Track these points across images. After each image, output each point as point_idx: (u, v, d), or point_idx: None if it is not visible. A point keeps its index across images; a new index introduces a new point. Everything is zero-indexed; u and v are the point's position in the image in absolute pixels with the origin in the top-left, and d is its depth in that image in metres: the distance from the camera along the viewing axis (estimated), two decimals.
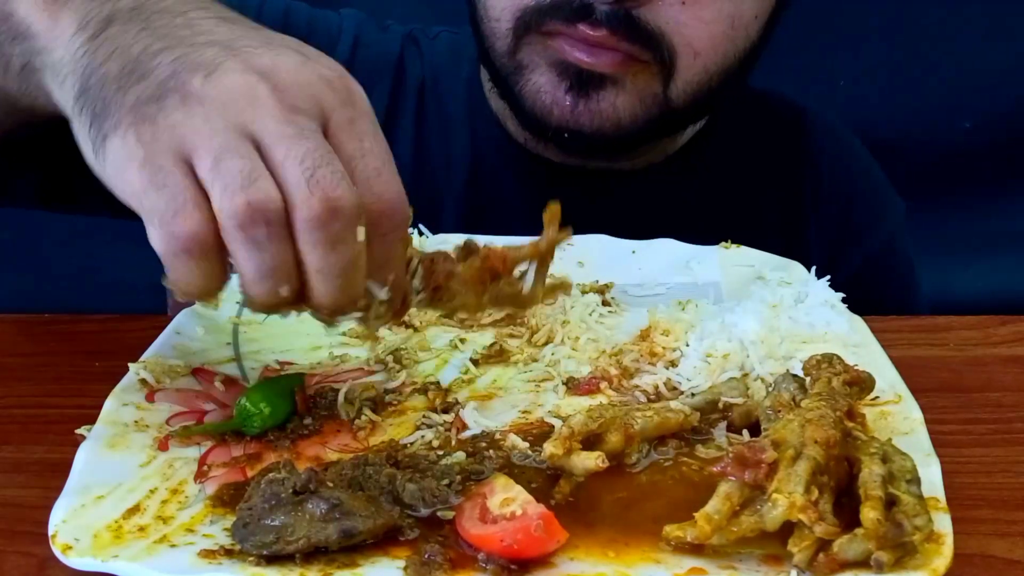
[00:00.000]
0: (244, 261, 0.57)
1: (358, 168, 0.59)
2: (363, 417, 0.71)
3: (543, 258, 0.71)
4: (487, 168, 0.96)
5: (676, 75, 0.95)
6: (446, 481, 0.62)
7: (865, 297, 0.84)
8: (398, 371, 0.78)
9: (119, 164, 0.58)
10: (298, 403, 0.71)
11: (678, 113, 0.98)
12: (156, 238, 0.57)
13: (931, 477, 0.60)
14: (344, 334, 0.85)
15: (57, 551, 0.56)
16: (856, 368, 0.69)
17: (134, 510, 0.60)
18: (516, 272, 0.70)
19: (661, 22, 0.91)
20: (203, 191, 0.57)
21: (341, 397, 0.72)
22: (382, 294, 0.62)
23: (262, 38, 0.62)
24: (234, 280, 0.88)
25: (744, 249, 0.95)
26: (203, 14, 0.64)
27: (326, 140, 0.58)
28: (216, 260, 0.57)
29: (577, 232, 0.82)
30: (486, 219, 1.00)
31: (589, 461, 0.61)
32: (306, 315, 0.84)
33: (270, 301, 0.60)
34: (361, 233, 0.58)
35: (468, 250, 0.68)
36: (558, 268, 0.94)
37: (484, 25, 0.99)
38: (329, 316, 0.62)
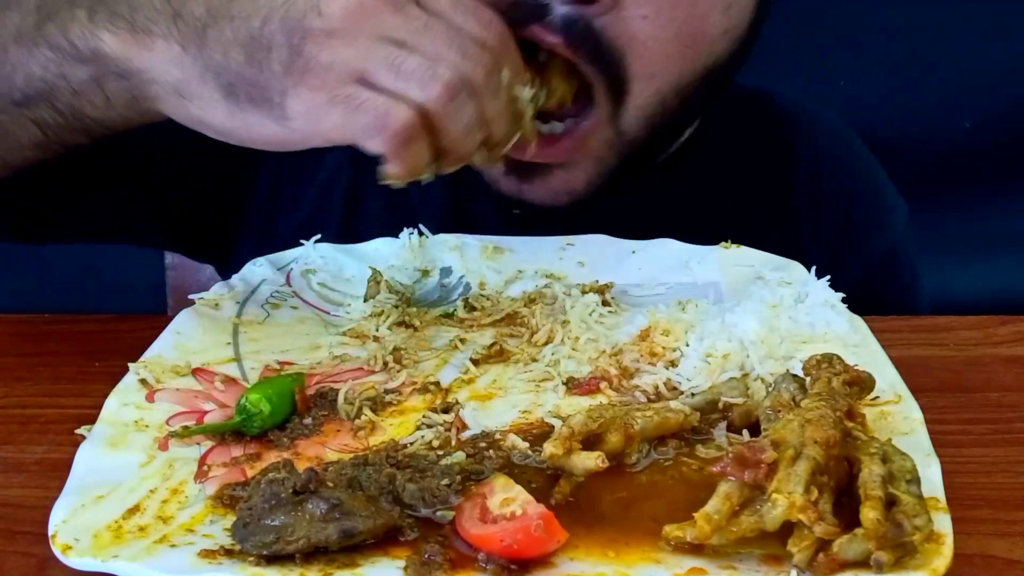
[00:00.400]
0: (456, 124, 0.73)
1: (462, 11, 0.74)
2: (363, 417, 0.71)
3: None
4: (474, 182, 0.95)
5: (628, 100, 0.89)
6: (446, 481, 0.62)
7: (865, 303, 0.84)
8: (398, 371, 0.78)
9: (312, 114, 0.71)
10: (298, 403, 0.71)
11: (636, 144, 0.93)
12: (377, 144, 0.71)
13: (931, 477, 0.60)
14: (344, 334, 0.85)
15: (57, 551, 0.56)
16: (856, 368, 0.69)
17: (134, 510, 0.60)
18: None
19: (622, 41, 0.86)
20: (393, 92, 0.70)
21: (341, 397, 0.72)
22: (527, 93, 0.80)
23: None
24: (234, 280, 0.89)
25: (744, 249, 0.94)
26: None
27: (421, 9, 0.72)
28: (425, 139, 0.72)
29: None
30: (473, 228, 0.99)
31: (589, 461, 0.61)
32: (306, 315, 0.85)
33: (471, 150, 0.76)
34: (507, 73, 0.76)
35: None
36: (558, 268, 0.95)
37: None
38: (497, 152, 0.79)
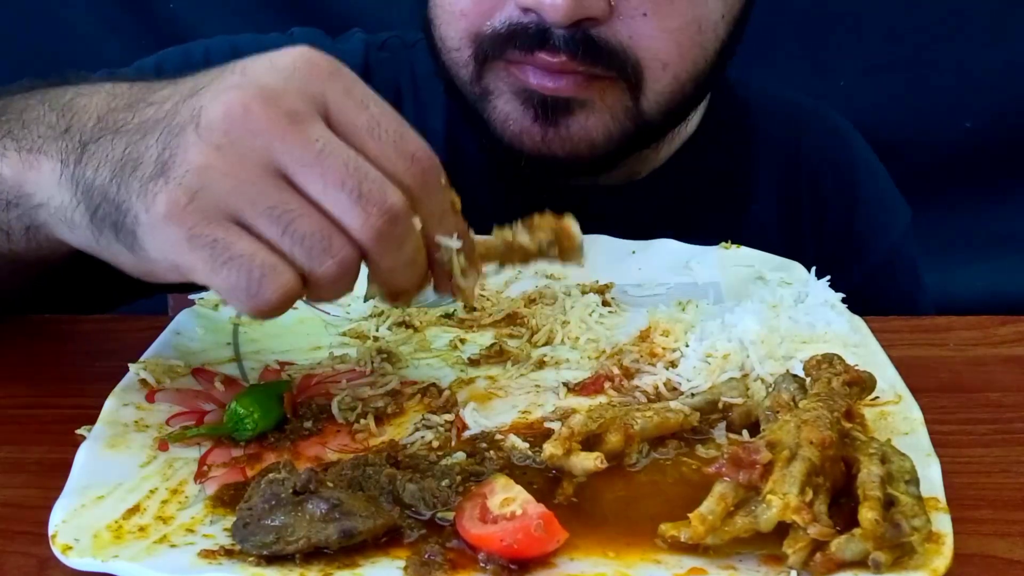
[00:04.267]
0: (333, 295, 0.61)
1: (381, 137, 0.60)
2: (362, 422, 0.71)
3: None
4: (468, 182, 0.95)
5: (645, 89, 0.91)
6: (446, 481, 0.62)
7: (866, 308, 0.84)
8: (390, 374, 0.78)
9: (165, 252, 0.59)
10: (286, 408, 0.71)
11: (653, 124, 0.96)
12: (244, 309, 0.59)
13: (931, 477, 0.60)
14: (344, 334, 0.85)
15: (57, 551, 0.56)
16: (856, 368, 0.69)
17: (134, 510, 0.60)
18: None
19: (623, 38, 0.88)
20: (269, 247, 0.58)
21: (335, 407, 0.72)
22: (455, 243, 0.65)
23: (215, 72, 0.62)
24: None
25: (744, 249, 0.94)
26: (158, 89, 0.64)
27: (329, 128, 0.59)
28: (300, 294, 0.60)
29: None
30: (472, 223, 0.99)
31: (588, 461, 0.61)
32: (306, 315, 0.85)
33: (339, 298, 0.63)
34: (418, 221, 0.62)
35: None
36: (558, 268, 0.95)
37: (444, 57, 0.96)
38: (408, 298, 0.66)
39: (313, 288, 0.60)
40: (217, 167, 0.57)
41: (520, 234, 0.74)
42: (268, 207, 0.58)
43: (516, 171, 0.98)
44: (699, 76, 0.94)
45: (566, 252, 0.75)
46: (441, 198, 0.64)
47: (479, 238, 0.71)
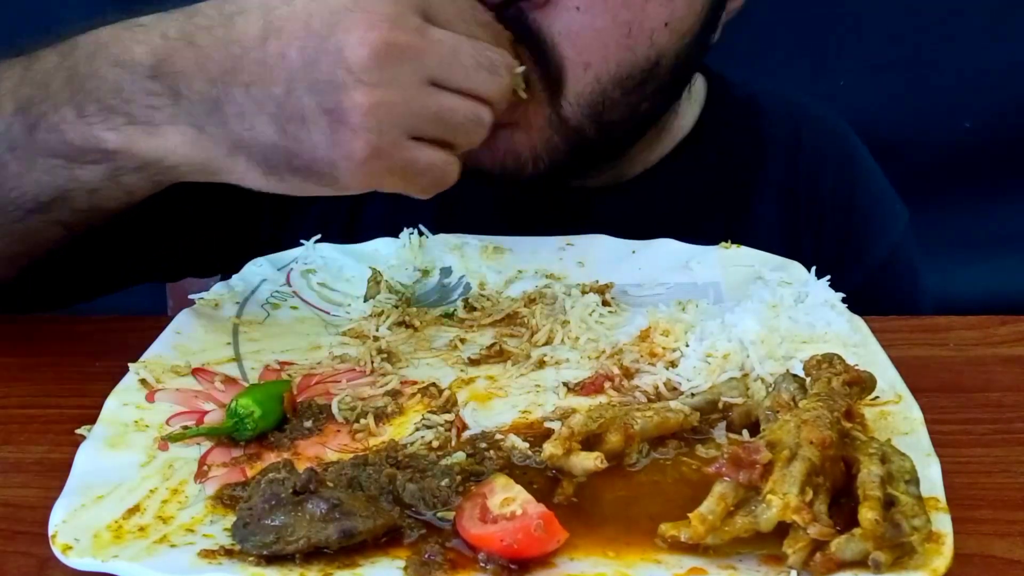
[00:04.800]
0: (480, 140, 0.76)
1: (465, 18, 0.74)
2: (362, 422, 0.71)
3: None
4: (470, 184, 0.95)
5: (565, 90, 0.89)
6: (446, 481, 0.62)
7: (866, 309, 0.83)
8: (390, 374, 0.78)
9: (368, 181, 0.70)
10: (286, 408, 0.71)
11: (585, 134, 0.92)
12: (428, 196, 0.74)
13: (931, 477, 0.60)
14: (344, 334, 0.85)
15: (57, 551, 0.56)
16: (856, 368, 0.69)
17: (134, 510, 0.60)
18: None
19: (553, 31, 0.86)
20: (439, 144, 0.71)
21: (335, 407, 0.72)
22: (520, 68, 0.82)
23: (298, 4, 0.69)
24: (234, 280, 0.89)
25: (744, 249, 0.94)
26: (248, 36, 0.69)
27: (436, 27, 0.71)
28: None
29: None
30: (470, 228, 0.99)
31: (588, 461, 0.61)
32: (306, 315, 0.85)
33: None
34: (517, 66, 0.80)
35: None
36: (558, 268, 0.95)
37: None
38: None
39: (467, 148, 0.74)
40: (385, 102, 0.67)
41: None
42: (433, 116, 0.70)
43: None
44: (625, 81, 0.90)
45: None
46: (505, 39, 0.81)
47: None
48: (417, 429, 0.70)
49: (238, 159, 0.70)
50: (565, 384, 0.76)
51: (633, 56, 0.89)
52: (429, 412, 0.72)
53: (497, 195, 1.04)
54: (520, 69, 0.82)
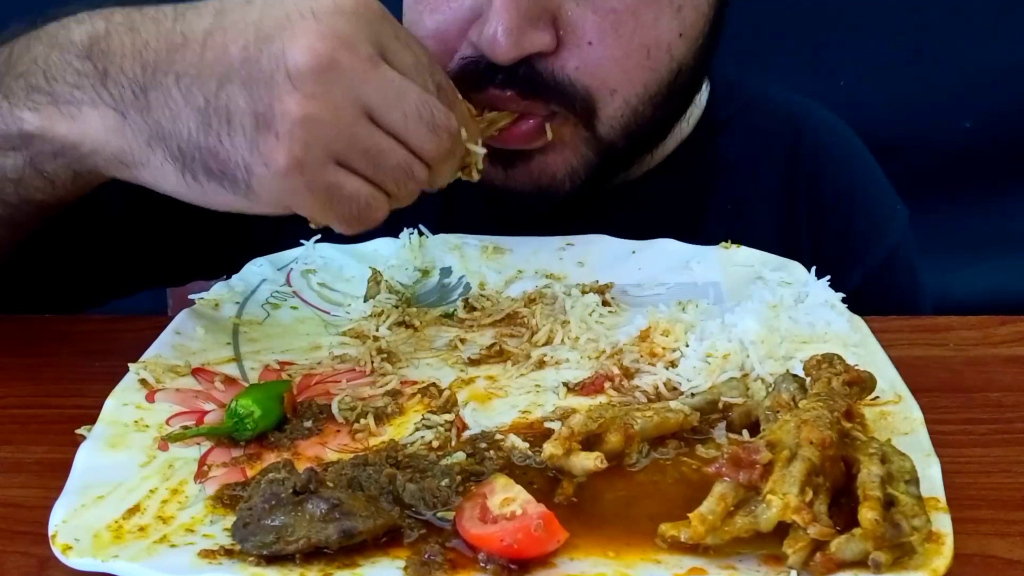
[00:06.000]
0: (412, 196, 0.73)
1: (421, 72, 0.71)
2: (362, 422, 0.71)
3: None
4: (466, 188, 0.95)
5: (598, 115, 0.89)
6: (446, 481, 0.62)
7: (866, 309, 0.83)
8: (390, 374, 0.78)
9: (281, 199, 0.67)
10: (286, 408, 0.71)
11: (618, 147, 0.93)
12: (349, 232, 0.70)
13: (931, 477, 0.60)
14: (344, 334, 0.85)
15: (57, 551, 0.56)
16: (856, 368, 0.69)
17: (134, 510, 0.60)
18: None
19: (569, 69, 0.86)
20: (365, 179, 0.68)
21: (335, 407, 0.72)
22: (481, 150, 0.80)
23: (262, 5, 0.67)
24: (234, 280, 0.89)
25: (744, 249, 0.94)
26: (197, 26, 0.67)
27: (388, 66, 0.68)
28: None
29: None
30: (470, 228, 0.99)
31: (588, 461, 0.61)
32: (306, 315, 0.85)
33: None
34: (463, 133, 0.76)
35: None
36: (558, 268, 0.95)
37: None
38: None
39: (396, 204, 0.72)
40: (317, 116, 0.64)
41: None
42: (364, 148, 0.67)
43: (493, 205, 0.98)
44: (655, 97, 0.91)
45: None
46: (463, 111, 0.78)
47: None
48: (417, 429, 0.70)
49: (155, 152, 0.66)
50: (565, 384, 0.76)
51: (658, 74, 0.90)
52: (429, 412, 0.72)
53: (485, 193, 1.04)
54: (479, 151, 0.79)
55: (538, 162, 0.92)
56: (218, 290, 0.88)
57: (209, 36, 0.66)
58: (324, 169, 0.65)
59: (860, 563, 0.53)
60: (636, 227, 0.97)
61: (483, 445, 0.68)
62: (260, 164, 0.64)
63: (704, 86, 1.12)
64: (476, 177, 0.81)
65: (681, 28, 0.90)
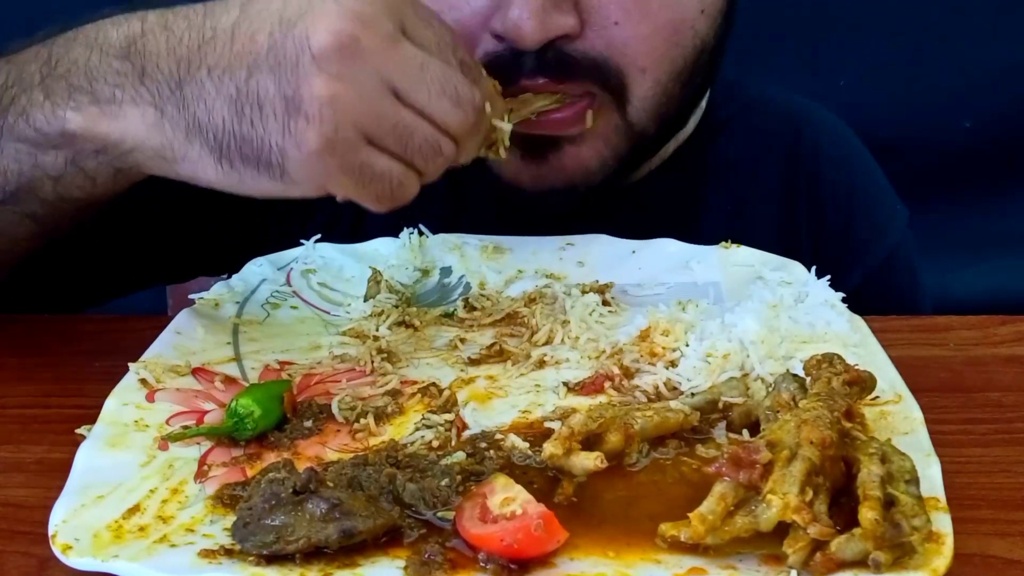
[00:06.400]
0: (440, 170, 0.73)
1: (443, 48, 0.71)
2: (362, 421, 0.71)
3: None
4: (470, 186, 0.95)
5: (630, 96, 0.90)
6: (446, 481, 0.62)
7: (866, 309, 0.83)
8: (390, 374, 0.78)
9: (318, 178, 0.68)
10: (286, 408, 0.71)
11: (647, 133, 0.94)
12: (381, 210, 0.71)
13: (931, 477, 0.60)
14: (344, 334, 0.85)
15: (57, 551, 0.56)
16: (856, 368, 0.69)
17: (134, 510, 0.60)
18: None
19: (599, 48, 0.87)
20: (399, 160, 0.69)
21: (335, 407, 0.72)
22: (507, 126, 0.81)
23: None
24: (234, 280, 0.89)
25: (744, 249, 0.94)
26: (224, 21, 0.68)
27: (410, 43, 0.68)
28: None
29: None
30: (473, 228, 0.99)
31: (588, 461, 0.61)
32: (306, 315, 0.85)
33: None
34: (488, 107, 0.76)
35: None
36: (558, 268, 0.95)
37: None
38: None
39: (425, 180, 0.72)
40: (344, 96, 0.65)
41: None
42: (392, 125, 0.67)
43: (520, 206, 0.98)
44: (682, 75, 0.92)
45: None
46: (488, 87, 0.78)
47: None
48: (417, 429, 0.70)
49: (193, 144, 0.68)
50: (565, 384, 0.76)
51: (684, 51, 0.91)
52: (429, 412, 0.73)
53: (499, 195, 1.04)
54: (506, 126, 0.80)
55: (570, 154, 0.92)
56: (218, 290, 0.88)
57: (236, 28, 0.67)
58: (355, 148, 0.66)
59: (860, 563, 0.53)
60: (636, 227, 0.97)
61: (483, 445, 0.68)
62: (293, 147, 0.65)
63: None
64: (503, 155, 0.82)
65: (702, 4, 0.91)
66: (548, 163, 0.93)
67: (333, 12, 0.66)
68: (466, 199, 1.03)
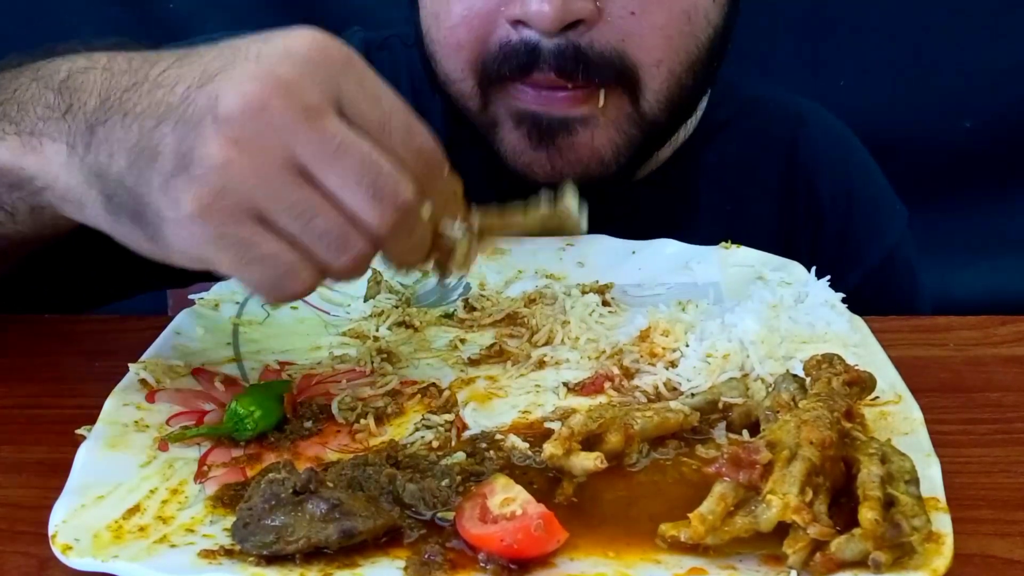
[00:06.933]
0: (352, 274, 0.64)
1: (391, 132, 0.61)
2: (362, 422, 0.71)
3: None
4: (470, 185, 0.95)
5: (644, 89, 0.91)
6: (446, 481, 0.62)
7: (865, 309, 0.83)
8: (390, 374, 0.78)
9: (190, 247, 0.60)
10: (286, 408, 0.71)
11: (659, 124, 0.95)
12: (268, 299, 0.64)
13: (931, 477, 0.60)
14: (344, 334, 0.85)
15: (57, 551, 0.56)
16: (856, 368, 0.69)
17: (134, 510, 0.60)
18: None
19: (614, 41, 0.87)
20: (290, 242, 0.60)
21: (335, 407, 0.72)
22: (458, 231, 0.68)
23: (227, 52, 0.61)
24: (235, 282, 0.88)
25: (744, 249, 0.94)
26: (162, 67, 0.63)
27: (342, 120, 0.59)
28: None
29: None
30: None
31: (588, 461, 0.61)
32: (306, 315, 0.85)
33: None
34: (427, 210, 0.64)
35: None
36: (558, 268, 0.95)
37: (451, 89, 0.96)
38: (409, 271, 0.71)
39: (330, 277, 0.63)
40: (238, 163, 0.57)
41: (519, 215, 0.78)
42: (288, 205, 0.59)
43: (522, 172, 0.98)
44: (695, 64, 0.93)
45: (564, 228, 0.79)
46: (445, 187, 0.67)
47: (482, 211, 0.74)
48: (417, 429, 0.70)
49: (92, 191, 0.62)
50: (565, 384, 0.76)
51: (697, 40, 0.92)
52: (429, 412, 0.73)
53: (498, 196, 1.04)
54: (455, 234, 0.68)
55: (583, 141, 0.92)
56: (218, 290, 0.88)
57: (164, 76, 0.62)
58: (237, 220, 0.58)
59: (860, 563, 0.53)
60: (636, 227, 0.97)
61: (483, 445, 0.68)
62: (169, 207, 0.58)
63: None
64: (457, 269, 0.71)
65: None
66: (559, 149, 0.92)
67: (249, 73, 0.59)
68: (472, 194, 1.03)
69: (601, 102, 0.90)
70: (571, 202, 0.79)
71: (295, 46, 0.60)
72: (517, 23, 0.87)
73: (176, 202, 0.58)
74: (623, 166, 0.95)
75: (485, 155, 1.02)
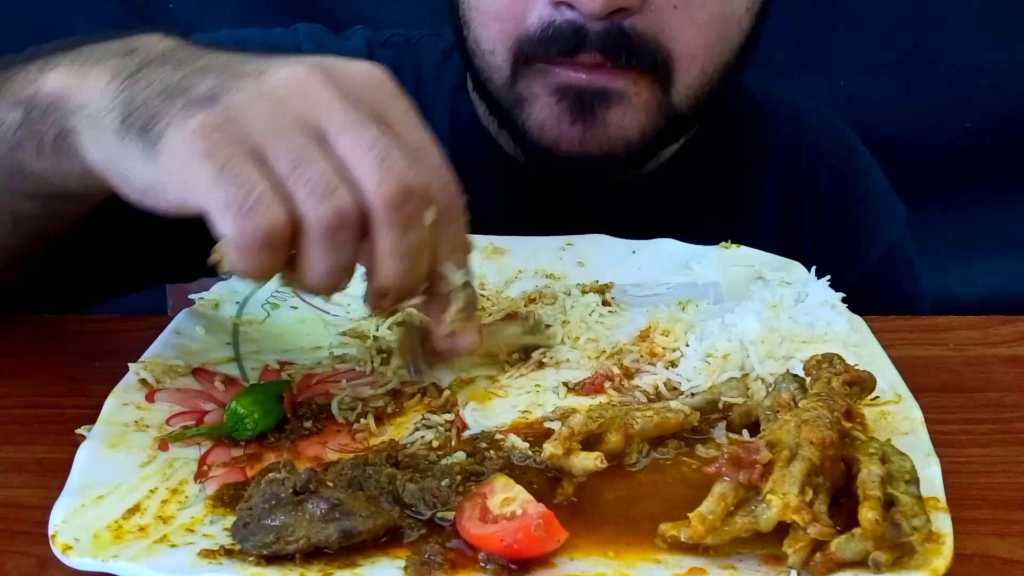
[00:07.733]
0: (318, 261, 0.59)
1: (423, 156, 0.61)
2: (362, 422, 0.71)
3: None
4: (473, 183, 0.95)
5: (676, 82, 0.93)
6: (446, 481, 0.62)
7: (864, 308, 0.84)
8: (390, 374, 0.78)
9: (180, 159, 0.58)
10: (286, 408, 0.71)
11: (683, 118, 0.97)
12: (230, 226, 0.57)
13: (931, 477, 0.60)
14: (344, 334, 0.85)
15: (57, 551, 0.56)
16: (856, 368, 0.69)
17: (134, 510, 0.60)
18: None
19: (655, 30, 0.89)
20: (278, 185, 0.58)
21: (335, 407, 0.72)
22: (459, 277, 0.64)
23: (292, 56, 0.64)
24: (234, 280, 0.88)
25: (744, 249, 0.94)
26: (225, 54, 0.65)
27: (381, 124, 0.60)
28: (286, 251, 0.58)
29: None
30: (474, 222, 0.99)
31: (588, 461, 0.61)
32: (306, 315, 0.85)
33: (330, 292, 0.62)
34: (431, 215, 0.60)
35: None
36: (558, 268, 0.95)
37: (478, 60, 0.96)
38: (392, 301, 0.63)
39: (303, 243, 0.59)
40: (257, 107, 0.59)
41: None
42: (287, 149, 0.58)
43: (550, 171, 0.99)
44: (725, 68, 0.95)
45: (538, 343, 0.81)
46: (459, 231, 0.64)
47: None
48: (417, 429, 0.70)
49: (113, 111, 0.63)
50: (565, 384, 0.76)
51: (731, 44, 0.94)
52: (429, 412, 0.73)
53: (501, 194, 1.04)
54: (456, 279, 0.64)
55: (615, 121, 0.93)
56: (218, 290, 0.88)
57: (229, 62, 0.63)
58: (233, 147, 0.58)
59: (860, 563, 0.53)
60: (636, 227, 0.97)
61: (483, 445, 0.68)
62: (179, 121, 0.59)
63: None
64: (450, 323, 0.67)
65: (748, 2, 0.94)
66: (593, 125, 0.93)
67: (306, 62, 0.61)
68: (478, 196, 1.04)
69: (635, 86, 0.92)
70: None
71: (357, 64, 0.63)
72: (560, 4, 0.88)
73: (186, 118, 0.58)
74: (644, 150, 0.97)
75: (491, 152, 1.02)
